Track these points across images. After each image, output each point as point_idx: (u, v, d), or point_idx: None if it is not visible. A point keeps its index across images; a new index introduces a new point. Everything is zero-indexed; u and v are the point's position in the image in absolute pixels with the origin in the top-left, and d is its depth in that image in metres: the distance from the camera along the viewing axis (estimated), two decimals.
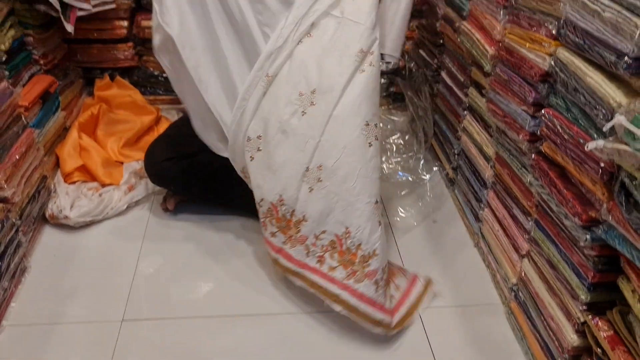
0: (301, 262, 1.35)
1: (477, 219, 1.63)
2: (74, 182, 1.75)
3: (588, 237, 1.03)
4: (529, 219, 1.30)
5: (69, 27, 1.78)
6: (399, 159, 1.99)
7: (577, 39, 1.02)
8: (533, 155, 1.24)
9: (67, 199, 1.66)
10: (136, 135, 1.96)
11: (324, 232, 1.33)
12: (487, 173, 1.55)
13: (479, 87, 1.60)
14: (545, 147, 1.18)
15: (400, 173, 1.86)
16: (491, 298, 1.48)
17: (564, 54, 1.07)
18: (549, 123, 1.14)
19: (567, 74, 1.06)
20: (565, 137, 1.08)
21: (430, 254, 1.64)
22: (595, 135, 0.98)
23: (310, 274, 1.34)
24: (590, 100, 0.98)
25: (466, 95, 1.71)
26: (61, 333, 1.33)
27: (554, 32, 1.11)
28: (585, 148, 0.95)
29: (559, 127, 1.10)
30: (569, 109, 1.08)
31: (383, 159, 1.85)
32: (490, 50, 1.41)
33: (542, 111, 1.17)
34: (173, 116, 2.17)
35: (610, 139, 0.89)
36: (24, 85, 1.66)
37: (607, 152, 0.89)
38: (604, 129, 0.89)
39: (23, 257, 1.49)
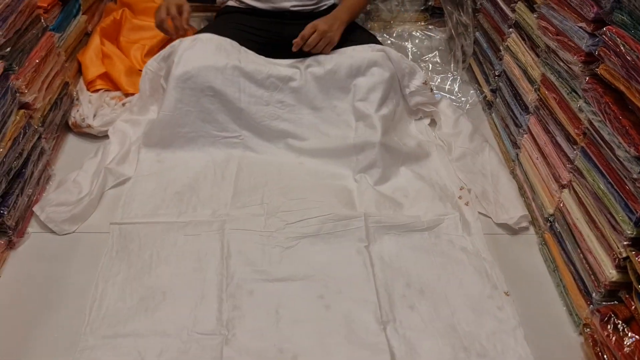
0: None
1: (515, 145, 1.55)
2: (96, 91, 1.69)
3: None
4: (575, 147, 1.21)
5: None
6: (434, 79, 1.89)
7: None
8: (587, 78, 1.13)
9: (90, 108, 1.62)
10: (160, 43, 1.87)
11: None
12: (530, 97, 1.45)
13: (529, 1, 1.47)
14: (602, 70, 1.07)
15: (436, 94, 1.76)
16: (524, 228, 1.43)
17: None
18: (610, 42, 1.03)
19: None
20: (628, 58, 0.97)
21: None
22: None
23: None
24: None
25: (513, 10, 1.57)
26: (87, 239, 1.33)
27: None
28: None
29: (621, 46, 0.99)
30: (636, 26, 0.97)
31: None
32: None
33: (604, 29, 1.05)
34: (198, 24, 2.07)
35: None
36: None
37: None
38: None
39: (47, 165, 1.47)
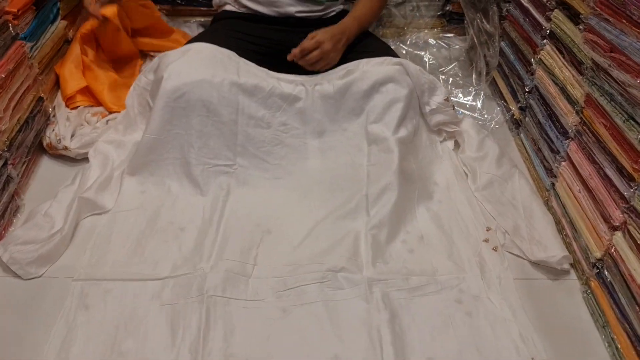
0: None
1: (550, 172, 1.36)
2: (76, 107, 1.50)
3: None
4: (632, 184, 1.02)
5: None
6: (454, 93, 1.70)
7: None
8: None
9: (68, 126, 1.43)
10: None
11: None
12: (571, 119, 1.26)
13: (569, 9, 1.28)
14: None
15: (458, 111, 1.57)
16: (564, 272, 1.23)
17: None
18: None
19: None
20: None
21: None
22: None
23: None
24: None
25: (548, 19, 1.38)
26: (56, 285, 1.14)
27: None
28: None
29: None
30: None
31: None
32: None
33: None
34: (192, 31, 1.88)
35: None
36: None
37: None
38: None
39: (15, 194, 1.28)
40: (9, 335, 1.04)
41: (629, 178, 1.04)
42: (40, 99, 1.42)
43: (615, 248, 1.07)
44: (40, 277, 1.15)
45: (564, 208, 1.28)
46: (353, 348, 1.05)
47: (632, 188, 1.02)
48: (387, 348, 1.04)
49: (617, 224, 1.07)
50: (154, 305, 1.10)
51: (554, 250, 1.23)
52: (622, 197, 1.05)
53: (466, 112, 1.65)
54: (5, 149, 1.23)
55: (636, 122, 1.00)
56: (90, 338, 1.04)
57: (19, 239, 1.17)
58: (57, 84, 1.53)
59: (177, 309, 1.10)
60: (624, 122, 1.04)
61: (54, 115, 1.46)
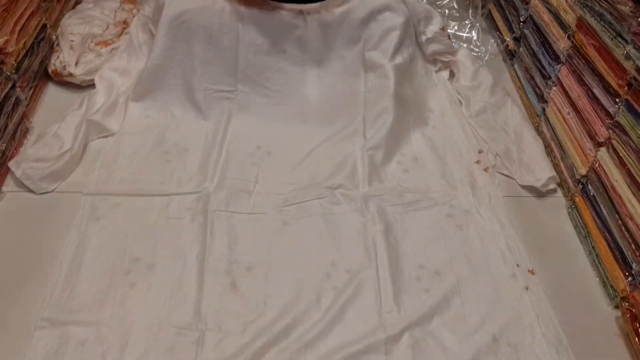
0: None
1: (542, 98, 1.41)
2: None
3: None
4: (617, 100, 1.07)
5: None
6: (450, 26, 1.72)
7: None
8: (638, 20, 0.98)
9: (72, 54, 1.46)
10: None
11: None
12: (562, 44, 1.30)
13: None
14: None
15: (453, 43, 1.60)
16: (551, 191, 1.30)
17: None
18: None
19: None
20: None
21: None
22: None
23: None
24: None
25: None
26: (67, 200, 1.19)
27: None
28: None
29: None
30: None
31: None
32: None
33: None
34: None
35: None
36: None
37: None
38: None
39: (23, 117, 1.32)
40: (26, 243, 1.10)
41: (614, 95, 1.08)
42: (44, 26, 1.44)
43: (599, 163, 1.13)
44: (52, 192, 1.21)
45: (554, 131, 1.34)
46: (349, 256, 1.12)
47: (617, 104, 1.07)
48: (381, 256, 1.11)
49: (601, 140, 1.13)
50: (161, 218, 1.17)
51: (541, 174, 1.29)
52: (608, 113, 1.10)
53: (462, 43, 1.67)
54: (14, 72, 1.27)
55: (623, 38, 1.04)
56: (102, 245, 1.10)
57: (30, 157, 1.22)
58: (61, 12, 1.55)
59: (184, 222, 1.16)
60: (612, 39, 1.08)
61: (57, 44, 1.49)
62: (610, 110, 1.09)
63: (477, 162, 1.34)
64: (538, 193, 1.29)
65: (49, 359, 0.92)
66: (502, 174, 1.33)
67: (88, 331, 0.96)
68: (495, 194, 1.27)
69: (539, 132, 1.41)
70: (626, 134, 1.04)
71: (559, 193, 1.29)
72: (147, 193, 1.21)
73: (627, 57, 1.02)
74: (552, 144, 1.34)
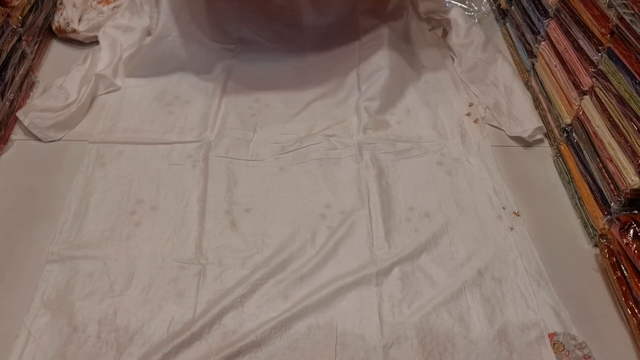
0: None
1: (531, 54, 1.45)
2: None
3: None
4: (600, 49, 1.12)
5: None
6: None
7: None
8: None
9: (75, 11, 1.50)
10: None
11: None
12: None
13: None
14: None
15: (447, 3, 1.64)
16: (538, 141, 1.35)
17: None
18: None
19: None
20: None
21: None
22: None
23: None
24: None
25: None
26: (74, 148, 1.25)
27: None
28: None
29: None
30: None
31: None
32: None
33: None
34: None
35: None
36: None
37: None
38: None
39: (30, 70, 1.37)
40: (35, 187, 1.16)
41: (598, 44, 1.13)
42: None
43: (583, 111, 1.18)
44: (59, 140, 1.26)
45: (542, 85, 1.38)
46: (343, 198, 1.18)
47: (599, 52, 1.12)
48: (374, 198, 1.17)
49: (585, 89, 1.17)
50: (164, 165, 1.22)
51: (529, 125, 1.34)
52: (592, 62, 1.15)
53: (455, 3, 1.71)
54: (19, 25, 1.31)
55: None
56: (108, 189, 1.16)
57: (37, 107, 1.27)
58: None
59: (186, 168, 1.21)
60: None
61: (60, 2, 1.53)
62: (594, 58, 1.14)
63: (468, 114, 1.39)
64: (526, 143, 1.34)
65: (60, 289, 0.98)
66: (492, 125, 1.38)
67: (96, 264, 1.02)
68: (484, 143, 1.32)
69: (528, 87, 1.46)
70: (608, 80, 1.08)
71: (546, 143, 1.34)
72: (150, 141, 1.26)
73: (610, 5, 1.06)
74: (540, 97, 1.39)
